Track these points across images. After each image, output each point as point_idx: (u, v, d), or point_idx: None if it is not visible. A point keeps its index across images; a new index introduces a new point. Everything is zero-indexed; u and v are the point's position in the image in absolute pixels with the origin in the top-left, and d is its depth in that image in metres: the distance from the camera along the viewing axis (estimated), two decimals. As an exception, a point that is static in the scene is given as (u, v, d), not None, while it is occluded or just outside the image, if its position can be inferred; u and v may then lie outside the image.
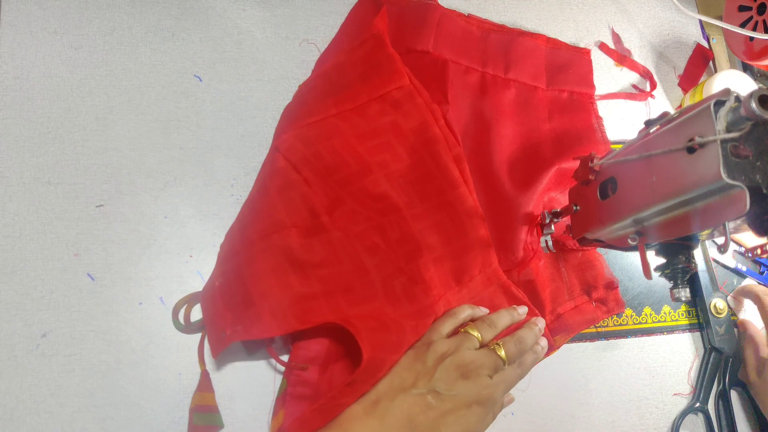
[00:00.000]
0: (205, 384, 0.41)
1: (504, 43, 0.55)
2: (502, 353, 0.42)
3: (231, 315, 0.40)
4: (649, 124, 0.37)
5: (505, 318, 0.45)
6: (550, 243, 0.50)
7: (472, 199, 0.46)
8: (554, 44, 0.57)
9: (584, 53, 0.57)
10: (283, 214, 0.42)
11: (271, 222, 0.42)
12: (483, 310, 0.45)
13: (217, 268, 0.43)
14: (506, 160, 0.51)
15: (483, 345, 0.42)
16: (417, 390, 0.39)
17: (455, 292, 0.45)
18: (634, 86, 0.60)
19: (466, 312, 0.44)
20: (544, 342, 0.45)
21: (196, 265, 0.44)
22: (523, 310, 0.46)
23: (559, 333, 0.48)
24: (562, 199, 0.52)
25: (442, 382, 0.39)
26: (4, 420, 0.38)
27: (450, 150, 0.46)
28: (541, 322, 0.46)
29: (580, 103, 0.55)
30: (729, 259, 0.54)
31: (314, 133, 0.46)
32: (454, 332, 0.43)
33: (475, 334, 0.42)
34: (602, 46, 0.60)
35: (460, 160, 0.46)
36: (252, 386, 0.42)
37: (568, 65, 0.56)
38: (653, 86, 0.59)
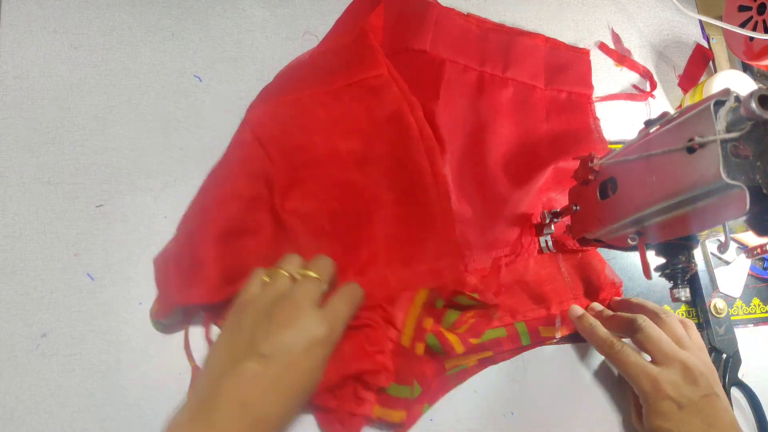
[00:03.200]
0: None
1: (503, 42, 0.55)
2: (314, 273, 0.37)
3: (179, 278, 0.40)
4: (649, 124, 0.37)
5: (325, 259, 0.40)
6: (550, 243, 0.50)
7: (441, 193, 0.45)
8: (553, 44, 0.57)
9: (583, 53, 0.57)
10: (242, 185, 0.43)
11: (230, 190, 0.42)
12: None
13: (175, 235, 0.43)
14: (502, 159, 0.51)
15: (294, 279, 0.37)
16: (238, 365, 0.32)
17: (403, 273, 0.44)
18: (634, 86, 0.60)
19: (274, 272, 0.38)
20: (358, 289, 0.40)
21: (196, 265, 0.44)
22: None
23: (564, 325, 0.48)
24: (561, 200, 0.52)
25: (263, 341, 0.33)
26: (4, 420, 0.38)
27: (423, 141, 0.46)
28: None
29: (578, 104, 0.55)
30: (731, 255, 0.54)
31: (286, 111, 0.46)
32: None
33: (281, 271, 0.37)
34: (602, 46, 0.60)
35: (433, 152, 0.46)
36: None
37: (567, 65, 0.56)
38: (653, 86, 0.59)
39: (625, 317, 0.44)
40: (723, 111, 0.30)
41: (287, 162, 0.44)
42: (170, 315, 0.40)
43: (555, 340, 0.48)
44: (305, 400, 0.36)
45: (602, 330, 0.44)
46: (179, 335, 0.42)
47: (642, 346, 0.43)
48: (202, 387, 0.34)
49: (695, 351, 0.43)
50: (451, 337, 0.41)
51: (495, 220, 0.49)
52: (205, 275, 0.39)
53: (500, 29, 0.56)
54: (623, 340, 0.44)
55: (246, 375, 0.32)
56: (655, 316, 0.44)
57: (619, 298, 0.49)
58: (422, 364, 0.41)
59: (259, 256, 0.42)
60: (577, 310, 0.47)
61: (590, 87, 0.56)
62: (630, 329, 0.44)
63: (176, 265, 0.41)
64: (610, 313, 0.47)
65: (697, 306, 0.53)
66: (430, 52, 0.52)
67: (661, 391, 0.40)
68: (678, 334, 0.43)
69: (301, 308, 0.34)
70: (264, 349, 0.32)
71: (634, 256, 0.53)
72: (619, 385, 0.48)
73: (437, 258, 0.44)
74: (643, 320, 0.43)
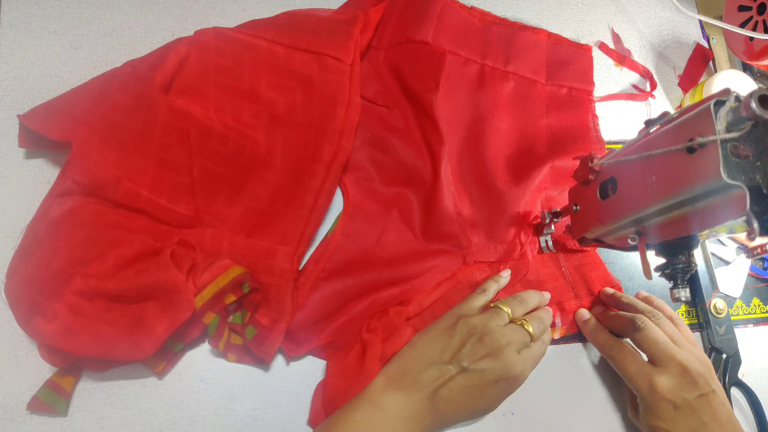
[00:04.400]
0: (74, 367, 0.39)
1: (505, 36, 0.55)
2: (531, 329, 0.42)
3: (115, 336, 0.37)
4: (649, 124, 0.37)
5: (534, 297, 0.46)
6: (550, 243, 0.50)
7: (324, 190, 0.44)
8: (556, 39, 0.57)
9: (585, 50, 0.57)
10: (155, 68, 0.42)
11: (144, 69, 0.42)
12: (505, 278, 0.47)
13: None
14: (501, 154, 0.52)
15: (511, 321, 0.42)
16: (444, 364, 0.39)
17: (240, 240, 0.43)
18: (634, 86, 0.60)
19: (493, 287, 0.45)
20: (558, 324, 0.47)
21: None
22: (547, 296, 0.47)
23: (563, 325, 0.48)
24: (559, 198, 0.52)
25: (470, 358, 0.39)
26: (5, 420, 0.38)
27: (338, 140, 0.45)
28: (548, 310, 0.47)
29: (579, 100, 0.56)
30: (731, 255, 0.54)
31: (236, 38, 0.46)
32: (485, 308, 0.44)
33: (506, 309, 0.43)
34: (602, 46, 0.60)
35: (340, 154, 0.45)
36: (252, 386, 0.42)
37: (568, 61, 0.56)
38: (653, 86, 0.59)
39: (626, 317, 0.45)
40: (723, 111, 0.30)
41: (205, 77, 0.44)
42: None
43: (554, 339, 0.48)
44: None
45: (604, 332, 0.46)
46: (179, 335, 0.42)
47: (640, 346, 0.43)
48: (404, 366, 0.40)
49: (690, 348, 0.43)
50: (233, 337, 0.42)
51: (493, 215, 0.49)
52: (149, 330, 0.36)
53: (503, 23, 0.56)
54: (625, 339, 0.44)
55: (448, 375, 0.39)
56: (648, 316, 0.45)
57: (611, 292, 0.49)
58: (198, 329, 0.40)
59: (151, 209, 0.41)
60: (584, 314, 0.48)
61: (591, 83, 0.56)
62: (629, 329, 0.44)
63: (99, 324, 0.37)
64: (612, 313, 0.47)
65: (697, 306, 0.53)
66: (431, 44, 0.51)
67: (657, 392, 0.41)
68: (671, 332, 0.44)
69: (508, 347, 0.40)
70: (468, 363, 0.39)
71: (634, 256, 0.53)
72: (618, 381, 0.48)
73: (280, 241, 0.43)
74: (642, 321, 0.43)
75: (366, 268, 0.45)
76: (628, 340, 0.45)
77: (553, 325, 0.48)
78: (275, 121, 0.46)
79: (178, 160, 0.43)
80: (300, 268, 0.44)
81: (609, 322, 0.46)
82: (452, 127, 0.50)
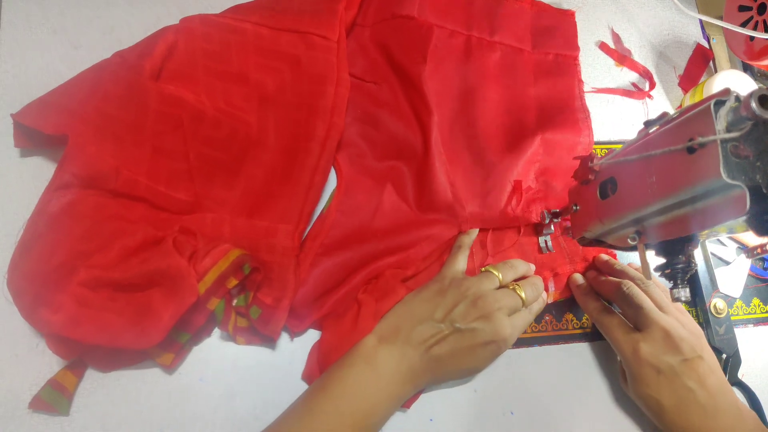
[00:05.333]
0: (78, 367, 0.39)
1: (489, 6, 0.56)
2: (522, 294, 0.43)
3: (122, 324, 0.38)
4: (649, 124, 0.37)
5: (523, 265, 0.47)
6: (549, 243, 0.50)
7: (320, 167, 0.44)
8: (540, 7, 0.58)
9: (569, 15, 0.58)
10: (144, 56, 0.43)
11: (133, 58, 0.43)
12: (474, 232, 0.48)
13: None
14: (491, 124, 0.52)
15: (502, 286, 0.43)
16: (437, 322, 0.40)
17: (241, 222, 0.43)
18: (634, 85, 0.60)
19: (465, 240, 0.47)
20: (545, 294, 0.48)
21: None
22: (533, 267, 0.48)
23: (557, 290, 0.49)
24: (554, 169, 0.52)
25: (462, 318, 0.40)
26: (5, 418, 0.38)
27: (331, 116, 0.46)
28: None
29: (565, 66, 0.56)
30: (731, 255, 0.54)
31: (221, 23, 0.46)
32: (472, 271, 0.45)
33: (497, 274, 0.44)
34: (602, 46, 0.60)
35: (334, 130, 0.45)
36: (252, 385, 0.42)
37: (553, 27, 0.57)
38: (652, 86, 0.59)
39: (613, 282, 0.46)
40: (723, 111, 0.30)
41: (190, 58, 0.44)
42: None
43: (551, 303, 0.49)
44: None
45: (594, 298, 0.47)
46: (179, 334, 0.42)
47: (625, 311, 0.44)
48: (396, 323, 0.41)
49: (677, 315, 0.44)
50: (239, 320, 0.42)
51: (486, 184, 0.50)
52: (155, 318, 0.37)
53: None
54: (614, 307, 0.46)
55: (440, 333, 0.39)
56: (638, 283, 0.46)
57: (605, 258, 0.50)
58: (203, 316, 0.40)
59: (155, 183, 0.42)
60: (578, 278, 0.49)
61: (576, 48, 0.57)
62: (616, 294, 0.45)
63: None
64: (603, 278, 0.48)
65: (697, 306, 0.53)
66: (417, 18, 0.52)
67: (640, 358, 0.41)
68: (658, 299, 0.44)
69: (499, 310, 0.41)
70: (460, 323, 0.40)
71: (634, 256, 0.53)
72: (618, 381, 0.48)
73: (280, 220, 0.43)
74: (627, 287, 0.44)
75: (363, 241, 0.46)
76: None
77: (546, 289, 0.48)
78: (266, 102, 0.46)
79: (173, 147, 0.43)
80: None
81: (599, 287, 0.47)
82: (442, 99, 0.51)
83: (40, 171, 0.44)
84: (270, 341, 0.43)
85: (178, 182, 0.43)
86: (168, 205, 0.42)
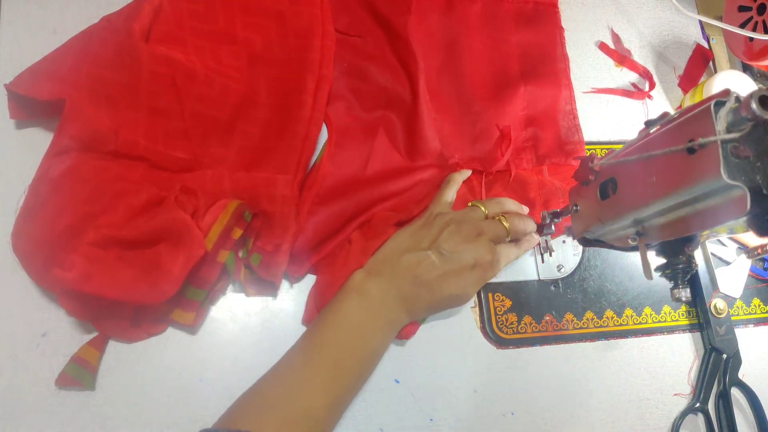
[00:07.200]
0: (99, 341, 0.40)
1: None
2: (507, 224, 0.44)
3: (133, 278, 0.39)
4: (649, 124, 0.37)
5: (511, 203, 0.48)
6: (550, 243, 0.50)
7: (313, 119, 0.45)
8: None
9: None
10: (132, 18, 0.43)
11: (121, 21, 0.43)
12: (466, 172, 0.49)
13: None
14: (476, 73, 0.54)
15: (488, 218, 0.45)
16: (422, 250, 0.41)
17: (240, 175, 0.44)
18: (634, 85, 0.60)
19: (457, 178, 0.48)
20: (537, 236, 0.48)
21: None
22: (526, 208, 0.49)
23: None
24: (541, 119, 0.54)
25: (447, 244, 0.41)
26: (5, 419, 0.38)
27: (319, 69, 0.46)
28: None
29: (545, 15, 0.58)
30: (731, 256, 0.54)
31: None
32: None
33: (482, 207, 0.45)
34: (602, 46, 0.60)
35: (323, 82, 0.46)
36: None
37: None
38: (651, 87, 0.59)
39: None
40: (723, 111, 0.30)
41: (177, 19, 0.45)
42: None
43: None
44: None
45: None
46: (179, 335, 0.42)
47: None
48: (383, 256, 0.42)
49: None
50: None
51: (474, 130, 0.52)
52: (167, 272, 0.37)
53: None
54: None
55: (426, 260, 0.41)
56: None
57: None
58: (216, 269, 0.41)
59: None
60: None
61: None
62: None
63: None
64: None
65: (698, 306, 0.53)
66: None
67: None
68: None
69: (483, 236, 0.42)
70: (445, 248, 0.41)
71: (635, 256, 0.53)
72: (619, 381, 0.48)
73: (278, 171, 0.44)
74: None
75: (357, 189, 0.47)
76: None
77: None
78: (255, 59, 0.47)
79: (168, 106, 0.43)
80: None
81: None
82: (427, 50, 0.52)
83: (37, 142, 0.43)
84: (273, 289, 0.44)
85: (176, 141, 0.43)
86: (168, 164, 0.43)
